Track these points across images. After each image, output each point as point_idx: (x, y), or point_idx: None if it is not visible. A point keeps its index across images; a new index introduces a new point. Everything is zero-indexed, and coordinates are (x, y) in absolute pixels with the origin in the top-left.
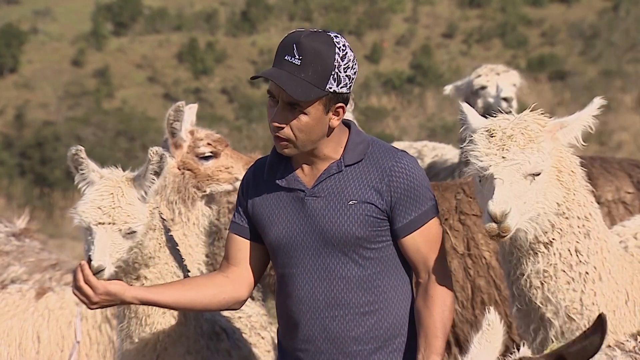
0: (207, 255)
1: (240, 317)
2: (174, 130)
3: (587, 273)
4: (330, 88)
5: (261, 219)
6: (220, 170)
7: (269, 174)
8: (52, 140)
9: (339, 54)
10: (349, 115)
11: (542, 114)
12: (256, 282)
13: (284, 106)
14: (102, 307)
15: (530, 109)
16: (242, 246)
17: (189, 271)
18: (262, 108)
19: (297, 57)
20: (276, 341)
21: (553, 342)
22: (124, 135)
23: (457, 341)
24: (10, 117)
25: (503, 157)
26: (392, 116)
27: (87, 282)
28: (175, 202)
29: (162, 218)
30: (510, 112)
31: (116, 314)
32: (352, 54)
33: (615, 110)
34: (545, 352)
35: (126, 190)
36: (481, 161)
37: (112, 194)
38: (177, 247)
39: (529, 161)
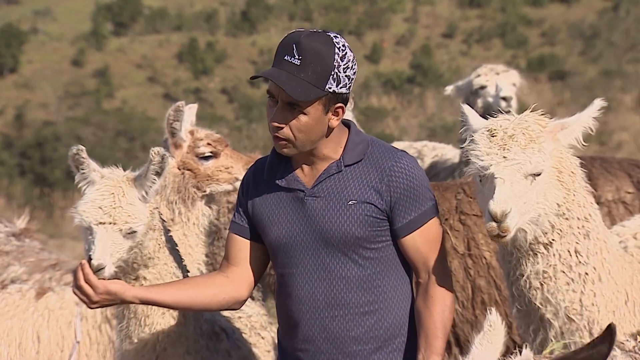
0: (207, 255)
1: (240, 317)
2: (173, 130)
3: (586, 274)
4: (330, 88)
5: (261, 219)
6: (220, 170)
7: (268, 174)
8: (52, 140)
9: (338, 54)
10: (348, 114)
11: (542, 114)
12: (256, 282)
13: (284, 106)
14: (102, 307)
15: (531, 110)
16: (242, 246)
17: (188, 272)
18: (262, 108)
19: (296, 57)
20: (276, 341)
21: (552, 342)
22: (124, 135)
23: (458, 341)
24: (10, 117)
25: (504, 157)
26: (392, 116)
27: (87, 281)
28: (175, 202)
29: (161, 219)
30: (510, 111)
31: (115, 314)
32: (352, 54)
33: (615, 110)
34: (545, 351)
35: (127, 190)
36: (482, 160)
37: (113, 193)
38: (177, 248)
39: (530, 161)
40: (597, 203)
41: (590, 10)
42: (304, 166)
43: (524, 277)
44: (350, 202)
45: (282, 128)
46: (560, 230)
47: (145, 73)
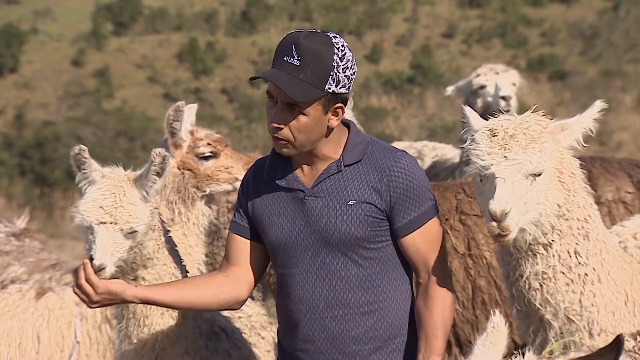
0: (207, 255)
1: (240, 317)
2: (173, 130)
3: (586, 274)
4: (329, 88)
5: (261, 219)
6: (220, 170)
7: (268, 174)
8: (52, 140)
9: (337, 54)
10: (348, 114)
11: (543, 115)
12: (256, 282)
13: (283, 107)
14: (102, 306)
15: (531, 110)
16: (242, 246)
17: (187, 272)
18: (262, 108)
19: (296, 57)
20: (276, 341)
21: (552, 342)
22: (124, 135)
23: (458, 341)
24: (10, 117)
25: (505, 157)
26: (392, 116)
27: (88, 280)
28: (175, 202)
29: (160, 219)
30: (509, 110)
31: (115, 314)
32: (351, 54)
33: (615, 110)
34: (545, 351)
35: (128, 189)
36: (483, 160)
37: (114, 193)
38: (176, 248)
39: (531, 161)
40: (597, 203)
41: (590, 10)
42: (304, 166)
43: (524, 278)
44: (350, 202)
45: (282, 129)
46: (560, 231)
47: (145, 73)
